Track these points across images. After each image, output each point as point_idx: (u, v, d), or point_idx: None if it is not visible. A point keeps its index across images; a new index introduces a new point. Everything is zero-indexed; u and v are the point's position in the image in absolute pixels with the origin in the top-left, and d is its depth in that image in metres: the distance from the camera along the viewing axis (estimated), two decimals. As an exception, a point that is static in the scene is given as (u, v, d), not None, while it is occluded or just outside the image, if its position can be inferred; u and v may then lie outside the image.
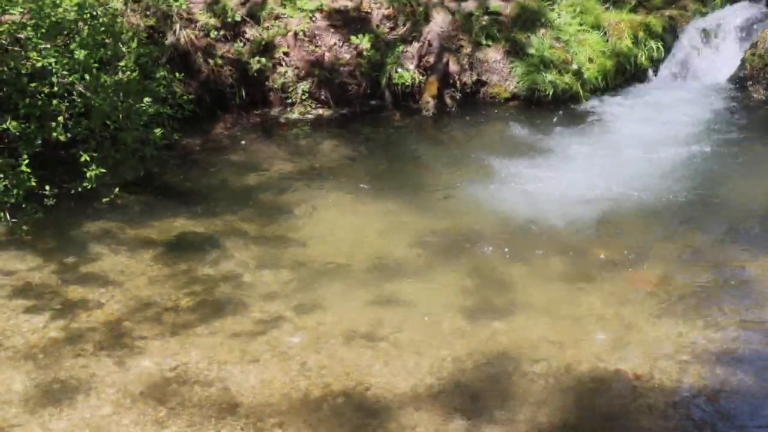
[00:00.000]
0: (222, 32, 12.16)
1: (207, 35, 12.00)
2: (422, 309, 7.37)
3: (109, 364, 6.61)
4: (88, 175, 8.48)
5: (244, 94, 12.17)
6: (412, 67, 12.56)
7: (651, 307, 7.35)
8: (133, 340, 6.90)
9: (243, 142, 11.45)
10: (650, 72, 13.62)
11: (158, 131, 9.20)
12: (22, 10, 8.49)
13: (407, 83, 12.47)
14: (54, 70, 8.46)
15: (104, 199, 8.85)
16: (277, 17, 12.52)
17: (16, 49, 8.56)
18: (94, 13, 8.96)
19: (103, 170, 8.54)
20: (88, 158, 8.52)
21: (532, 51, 12.78)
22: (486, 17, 12.98)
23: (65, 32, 8.91)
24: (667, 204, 9.24)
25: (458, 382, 6.40)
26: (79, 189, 8.50)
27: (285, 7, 12.56)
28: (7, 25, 8.46)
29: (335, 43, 12.52)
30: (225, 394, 6.28)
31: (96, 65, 8.82)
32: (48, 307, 7.34)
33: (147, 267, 8.05)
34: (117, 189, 8.91)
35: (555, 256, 8.25)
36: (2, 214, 8.20)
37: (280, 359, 6.67)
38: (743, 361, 6.61)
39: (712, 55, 13.81)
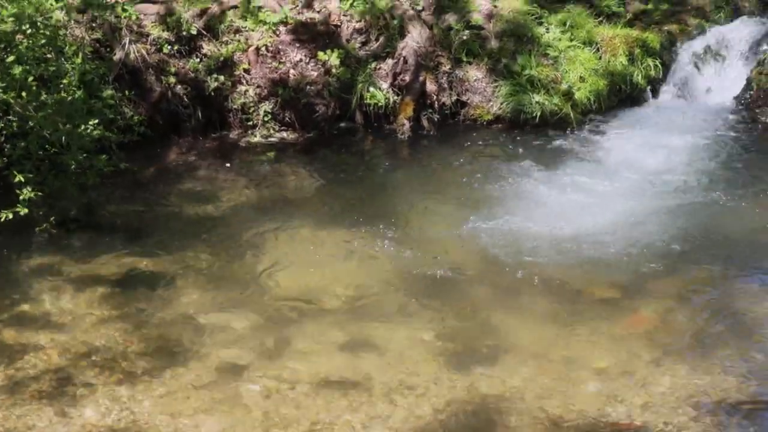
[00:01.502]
0: (176, 47, 12.15)
1: (160, 50, 12.00)
2: (398, 353, 7.39)
3: (50, 414, 6.59)
4: (21, 198, 8.46)
5: (200, 115, 12.17)
6: (385, 86, 12.59)
7: (649, 351, 7.40)
8: (76, 388, 6.88)
9: (199, 168, 11.44)
10: (647, 92, 13.68)
11: (102, 158, 9.21)
12: (-48, 21, 8.51)
13: (380, 104, 12.48)
14: (-14, 88, 8.46)
15: (37, 229, 8.85)
16: (237, 31, 12.53)
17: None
18: (35, 24, 8.97)
19: (39, 193, 8.53)
20: (22, 179, 8.51)
21: (517, 69, 12.81)
22: (467, 32, 12.99)
23: (1, 45, 8.91)
24: (665, 238, 9.28)
25: (437, 435, 6.43)
26: (10, 216, 8.46)
27: (246, 20, 12.57)
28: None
29: (301, 60, 12.54)
30: (179, 448, 6.29)
31: (35, 83, 8.83)
32: (-18, 351, 7.32)
33: (92, 307, 8.04)
34: (53, 218, 8.92)
35: (543, 295, 8.29)
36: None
37: (240, 410, 6.67)
38: (749, 410, 6.66)
39: (714, 74, 13.85)
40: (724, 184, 10.66)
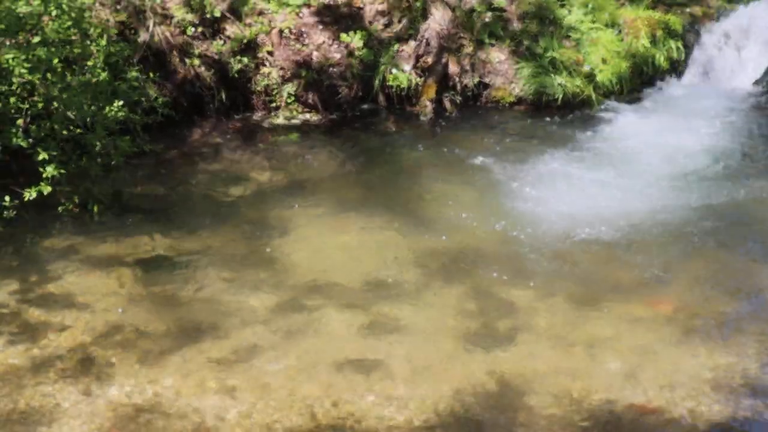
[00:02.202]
0: (200, 29, 12.15)
1: (184, 32, 12.01)
2: (419, 334, 7.41)
3: (75, 393, 6.62)
4: (44, 176, 8.50)
5: (224, 97, 12.18)
6: (408, 68, 12.58)
7: (669, 334, 7.39)
8: (100, 368, 6.91)
9: (223, 150, 11.47)
10: (669, 74, 13.62)
11: (127, 139, 9.24)
12: (-21, 3, 8.54)
13: (403, 86, 12.48)
14: (12, 69, 8.48)
15: (60, 208, 8.87)
16: (260, 13, 12.53)
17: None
18: (60, 6, 9.00)
19: (63, 171, 8.57)
20: (46, 156, 8.54)
21: (539, 51, 12.80)
22: (489, 14, 12.99)
23: (28, 28, 8.95)
24: (687, 221, 9.25)
25: (458, 416, 6.42)
26: (34, 194, 8.51)
27: (269, 2, 12.57)
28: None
29: (324, 42, 12.55)
30: (201, 427, 6.30)
31: (60, 64, 8.86)
32: (7, 330, 7.35)
33: (116, 287, 8.07)
34: (76, 198, 8.95)
35: (563, 277, 8.29)
36: (-44, 227, 8.25)
37: (262, 389, 6.69)
38: (769, 393, 6.67)
39: (737, 56, 13.80)
40: (747, 168, 10.64)
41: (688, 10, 14.13)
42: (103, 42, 9.95)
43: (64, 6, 9.10)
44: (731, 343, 7.24)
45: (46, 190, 8.53)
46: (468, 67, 12.71)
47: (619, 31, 13.36)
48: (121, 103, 9.09)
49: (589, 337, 7.35)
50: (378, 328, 7.48)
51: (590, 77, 12.75)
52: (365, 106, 12.66)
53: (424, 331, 7.45)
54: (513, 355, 7.11)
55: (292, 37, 12.45)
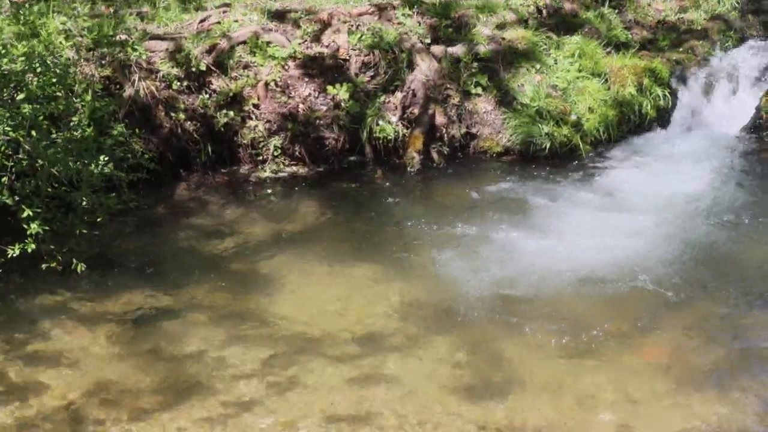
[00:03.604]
0: (186, 83, 12.18)
1: (169, 86, 12.05)
2: (410, 387, 7.40)
3: (62, 454, 6.60)
4: (28, 232, 8.49)
5: (210, 151, 12.18)
6: (394, 119, 12.62)
7: (662, 384, 7.38)
8: (88, 427, 6.89)
9: (209, 204, 11.45)
10: (657, 122, 13.67)
11: (112, 196, 9.24)
12: (-36, 61, 8.57)
13: (390, 137, 12.50)
14: (-3, 126, 8.51)
15: (44, 266, 8.86)
16: (246, 66, 12.57)
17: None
18: (45, 63, 9.04)
19: (47, 228, 8.57)
20: (30, 213, 8.54)
21: (526, 100, 12.86)
22: (475, 64, 13.04)
23: (12, 84, 8.97)
24: (677, 270, 9.26)
25: (450, 470, 6.42)
26: (17, 252, 8.50)
27: (255, 55, 12.62)
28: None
29: (310, 94, 12.59)
30: (191, 486, 6.28)
31: (45, 121, 8.88)
32: (-7, 390, 7.33)
33: (103, 345, 8.05)
34: (61, 256, 8.94)
35: (554, 328, 8.27)
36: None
37: (251, 446, 6.68)
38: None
39: (724, 103, 13.85)
40: (735, 214, 10.65)
41: (673, 56, 14.22)
42: (88, 97, 9.99)
43: (48, 62, 9.14)
44: (725, 393, 7.23)
45: (31, 247, 8.52)
46: (455, 118, 12.74)
47: (606, 80, 13.43)
48: (106, 158, 9.10)
49: (581, 387, 7.34)
50: (368, 380, 7.47)
51: (577, 126, 12.79)
52: (352, 158, 12.64)
53: (414, 383, 7.44)
54: (505, 407, 7.10)
55: (278, 89, 12.48)
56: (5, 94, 8.89)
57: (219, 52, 12.40)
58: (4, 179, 8.67)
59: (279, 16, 13.22)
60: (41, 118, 8.84)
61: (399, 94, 12.76)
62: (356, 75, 12.76)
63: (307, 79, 12.64)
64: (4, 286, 8.81)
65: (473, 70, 12.98)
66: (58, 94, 9.40)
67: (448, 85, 12.87)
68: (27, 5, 10.17)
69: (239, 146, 12.43)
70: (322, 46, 12.82)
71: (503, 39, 13.48)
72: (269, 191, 11.87)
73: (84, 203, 9.06)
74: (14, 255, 8.52)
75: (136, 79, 11.69)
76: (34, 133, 8.70)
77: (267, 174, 12.26)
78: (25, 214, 8.54)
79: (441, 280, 9.20)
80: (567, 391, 7.30)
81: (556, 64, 13.44)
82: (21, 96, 8.76)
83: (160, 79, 12.01)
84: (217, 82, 12.31)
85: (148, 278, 9.34)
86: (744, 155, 12.69)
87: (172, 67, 12.11)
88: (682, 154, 12.64)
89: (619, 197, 11.24)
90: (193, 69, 12.17)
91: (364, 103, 12.55)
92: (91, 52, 11.41)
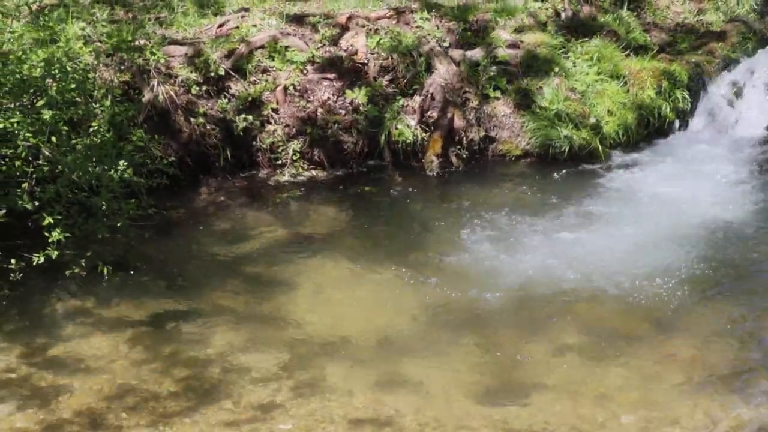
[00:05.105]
0: (204, 88, 12.22)
1: (188, 91, 12.08)
2: (430, 390, 7.42)
3: (84, 457, 6.63)
4: (50, 240, 8.53)
5: (229, 155, 12.20)
6: (413, 122, 12.62)
7: (683, 385, 7.37)
8: (110, 431, 6.91)
9: (229, 208, 11.47)
10: (676, 125, 13.64)
11: (132, 202, 9.28)
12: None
13: (408, 140, 12.50)
14: (17, 132, 8.53)
15: (68, 272, 8.90)
16: (264, 70, 12.60)
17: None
18: (64, 69, 9.08)
19: (69, 235, 8.60)
20: (51, 221, 8.58)
21: (545, 103, 12.84)
22: (494, 67, 13.05)
23: (31, 90, 9.02)
24: (699, 272, 9.26)
25: (472, 473, 6.43)
26: (41, 259, 8.54)
27: (273, 60, 12.65)
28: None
29: (329, 98, 12.59)
30: (213, 489, 6.30)
31: (65, 127, 8.92)
32: (15, 394, 7.35)
33: (125, 349, 8.08)
34: (83, 261, 8.97)
35: (574, 330, 8.29)
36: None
37: (273, 450, 6.70)
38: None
39: (743, 105, 13.80)
40: (756, 216, 10.62)
41: (693, 59, 14.17)
42: (108, 103, 10.01)
43: (67, 68, 9.18)
44: (746, 395, 7.22)
45: (54, 254, 8.55)
46: (474, 121, 12.74)
47: (625, 83, 13.41)
48: (126, 164, 9.12)
49: (602, 389, 7.34)
50: (389, 384, 7.48)
51: (596, 129, 12.78)
52: (371, 162, 12.63)
53: (436, 386, 7.45)
54: (526, 410, 7.10)
55: (297, 93, 12.50)
56: (25, 100, 8.94)
57: (238, 56, 12.44)
58: (25, 185, 8.71)
59: (297, 20, 13.27)
60: (61, 123, 8.87)
61: (417, 98, 12.76)
62: (375, 79, 12.77)
63: (325, 83, 12.65)
64: (27, 291, 8.84)
65: (492, 74, 12.98)
66: (78, 99, 9.44)
67: (467, 89, 12.88)
68: (46, 11, 10.24)
69: (258, 150, 12.44)
70: (340, 50, 12.85)
71: (522, 42, 13.49)
72: (288, 195, 11.87)
73: (104, 207, 9.08)
74: (39, 262, 8.56)
75: (155, 84, 11.73)
76: (54, 138, 8.74)
77: (286, 178, 12.27)
78: (46, 222, 8.58)
79: (462, 283, 9.18)
80: (588, 393, 7.30)
81: (574, 67, 13.44)
82: (41, 102, 8.80)
83: (179, 84, 12.04)
84: (236, 87, 12.35)
85: (168, 282, 9.37)
86: (764, 159, 12.63)
87: (191, 71, 12.14)
88: (701, 157, 12.60)
89: (638, 200, 11.21)
90: (212, 74, 12.20)
91: (382, 107, 12.56)
92: (110, 58, 11.46)
